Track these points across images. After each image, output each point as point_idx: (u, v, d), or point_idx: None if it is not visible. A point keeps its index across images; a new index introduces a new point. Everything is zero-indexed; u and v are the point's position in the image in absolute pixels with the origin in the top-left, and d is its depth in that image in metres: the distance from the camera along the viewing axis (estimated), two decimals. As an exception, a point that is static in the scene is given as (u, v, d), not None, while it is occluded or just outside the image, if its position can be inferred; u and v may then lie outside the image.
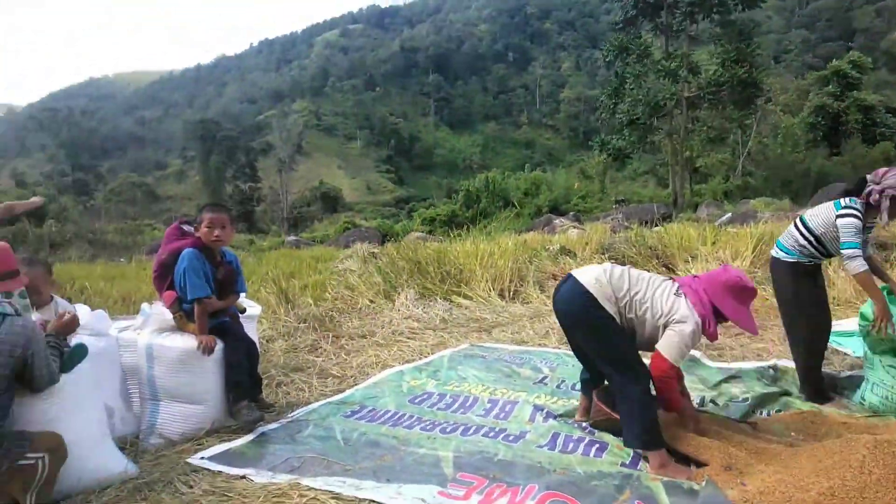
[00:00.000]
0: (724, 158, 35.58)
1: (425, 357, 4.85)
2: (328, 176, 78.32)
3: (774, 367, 4.03)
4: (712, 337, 2.78)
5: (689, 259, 9.13)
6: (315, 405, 3.69)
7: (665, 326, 2.69)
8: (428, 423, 3.28)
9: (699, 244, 9.76)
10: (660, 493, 2.39)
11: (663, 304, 2.72)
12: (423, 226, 31.59)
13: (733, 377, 3.90)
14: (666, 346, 2.65)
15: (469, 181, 38.98)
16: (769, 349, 4.65)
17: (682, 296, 2.73)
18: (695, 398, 3.54)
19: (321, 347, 5.35)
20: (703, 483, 2.42)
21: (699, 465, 2.61)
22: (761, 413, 3.32)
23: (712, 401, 3.52)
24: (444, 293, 7.47)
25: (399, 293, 7.42)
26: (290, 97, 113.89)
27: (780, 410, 3.34)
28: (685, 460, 2.65)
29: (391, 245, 10.34)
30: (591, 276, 2.81)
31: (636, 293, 2.76)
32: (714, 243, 9.59)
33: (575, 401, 3.49)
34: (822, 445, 2.74)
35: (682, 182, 30.32)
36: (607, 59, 30.70)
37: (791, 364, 3.78)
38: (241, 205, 57.59)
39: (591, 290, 2.73)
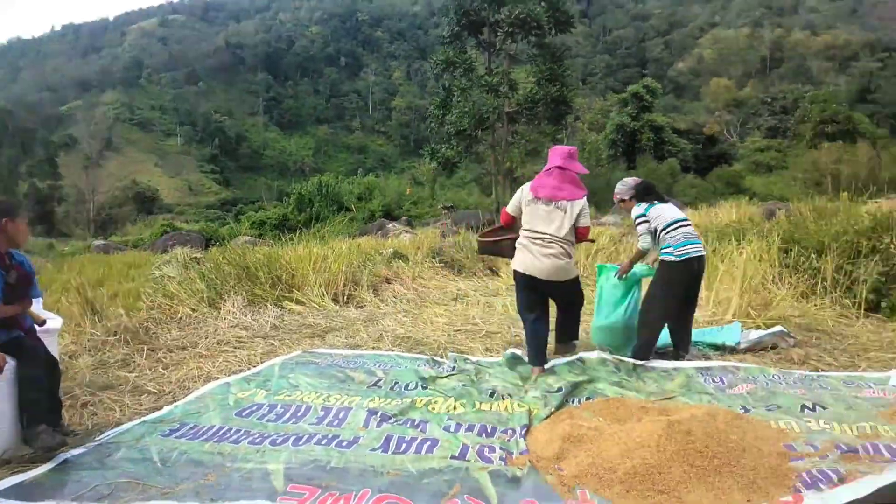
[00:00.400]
0: (539, 169, 38.34)
1: (254, 367, 4.64)
2: (144, 174, 71.95)
3: (581, 360, 4.43)
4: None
5: (509, 261, 9.73)
6: (128, 425, 3.37)
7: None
8: (257, 435, 3.15)
9: (520, 249, 10.41)
10: (487, 484, 2.52)
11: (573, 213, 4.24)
12: (252, 229, 30.18)
13: (548, 371, 4.22)
14: (586, 220, 4.29)
15: (301, 184, 38.07)
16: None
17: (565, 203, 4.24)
18: (515, 391, 3.80)
19: (135, 362, 4.89)
20: (525, 470, 2.61)
21: None
22: (574, 401, 3.64)
23: (533, 396, 3.78)
24: (274, 299, 7.22)
25: (225, 300, 7.03)
26: (98, 87, 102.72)
27: (589, 398, 3.69)
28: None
29: (216, 249, 9.76)
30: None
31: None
32: (533, 248, 10.30)
33: (409, 400, 3.59)
34: (624, 429, 3.09)
35: (503, 191, 32.14)
36: (435, 72, 31.68)
37: (594, 355, 4.44)
38: (38, 204, 50.79)
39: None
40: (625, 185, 4.79)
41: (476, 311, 6.68)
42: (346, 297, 7.67)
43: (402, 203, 37.48)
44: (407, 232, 17.22)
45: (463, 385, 3.92)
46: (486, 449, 2.92)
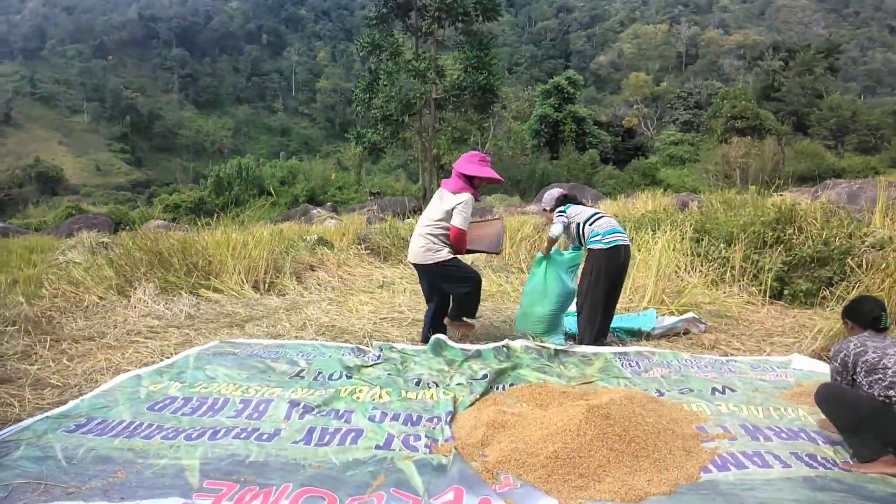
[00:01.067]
0: (468, 157, 38.67)
1: (168, 358, 4.43)
2: (47, 153, 67.09)
3: (507, 346, 4.50)
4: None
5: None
6: (28, 422, 3.13)
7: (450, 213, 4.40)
8: (171, 430, 3.00)
9: (446, 236, 10.45)
10: (412, 473, 2.51)
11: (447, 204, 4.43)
12: (166, 213, 28.89)
13: (473, 357, 4.26)
14: (459, 220, 4.38)
15: (220, 166, 36.63)
16: (509, 331, 5.18)
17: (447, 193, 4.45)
18: (440, 379, 3.81)
19: (36, 353, 4.56)
20: (451, 457, 2.61)
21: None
22: (498, 388, 3.68)
23: (458, 383, 3.80)
24: (190, 287, 6.92)
25: (136, 288, 6.68)
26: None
27: (513, 384, 3.74)
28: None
29: (126, 234, 9.25)
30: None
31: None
32: (459, 235, 10.36)
33: (333, 390, 3.52)
34: (546, 414, 3.15)
35: (430, 177, 32.19)
36: (361, 54, 31.20)
37: (518, 343, 4.52)
38: (-73, 184, 46.49)
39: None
40: (550, 197, 5.09)
41: (402, 298, 6.65)
42: (267, 285, 7.46)
43: (328, 188, 36.80)
44: (332, 218, 16.94)
45: (388, 374, 3.89)
46: (412, 438, 2.90)
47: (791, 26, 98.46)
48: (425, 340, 4.63)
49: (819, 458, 2.64)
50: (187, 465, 2.59)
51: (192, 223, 10.53)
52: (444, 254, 4.42)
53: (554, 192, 5.11)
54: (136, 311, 6.01)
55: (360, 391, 3.56)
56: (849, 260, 6.07)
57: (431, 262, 4.42)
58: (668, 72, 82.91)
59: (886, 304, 5.08)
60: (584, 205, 5.06)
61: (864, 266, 5.91)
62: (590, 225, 4.70)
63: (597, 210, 4.92)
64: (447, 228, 4.42)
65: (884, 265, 5.71)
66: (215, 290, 7.02)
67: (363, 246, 9.97)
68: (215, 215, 9.93)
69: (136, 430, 3.01)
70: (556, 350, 4.45)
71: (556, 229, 4.73)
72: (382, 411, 3.25)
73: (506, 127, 41.47)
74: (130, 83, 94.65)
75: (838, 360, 2.75)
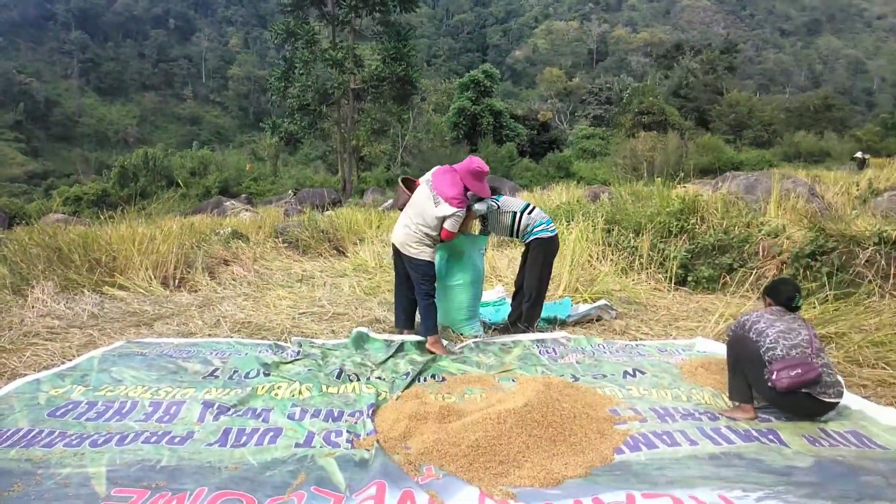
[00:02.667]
0: (386, 149, 38.43)
1: (70, 360, 4.16)
2: (-74, 142, 61.17)
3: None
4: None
5: (358, 241, 9.67)
6: None
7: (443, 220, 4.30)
8: (74, 436, 2.82)
9: (366, 228, 10.39)
10: (334, 470, 2.48)
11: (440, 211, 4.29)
12: (66, 206, 27.07)
13: (396, 350, 4.25)
14: (450, 225, 4.30)
15: (124, 156, 34.71)
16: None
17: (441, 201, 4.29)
18: (362, 373, 3.78)
19: (-86, 362, 4.17)
20: (373, 451, 2.60)
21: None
22: (420, 380, 3.70)
23: (379, 377, 3.78)
24: (93, 284, 6.53)
25: (33, 287, 6.23)
26: None
27: (433, 376, 3.77)
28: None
29: (22, 228, 8.57)
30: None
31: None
32: (379, 227, 10.32)
33: (249, 389, 3.42)
34: (467, 403, 3.20)
35: (350, 169, 31.79)
36: (276, 42, 30.33)
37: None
38: None
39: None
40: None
41: (322, 292, 6.54)
42: (177, 281, 7.15)
43: (242, 179, 35.60)
44: (247, 210, 16.40)
45: (308, 369, 3.82)
46: (333, 434, 2.87)
47: (694, 26, 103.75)
48: (401, 327, 4.71)
49: (721, 431, 2.83)
50: (93, 472, 2.45)
51: (95, 217, 9.94)
52: (427, 255, 4.37)
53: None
54: (34, 311, 5.61)
55: (279, 388, 3.48)
56: (747, 247, 6.50)
57: (410, 254, 4.39)
58: (580, 68, 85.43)
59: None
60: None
61: (761, 253, 6.35)
62: (528, 215, 4.81)
63: (526, 201, 5.03)
64: (436, 233, 4.36)
65: (778, 252, 6.15)
66: (121, 287, 6.65)
67: (281, 239, 9.72)
68: (120, 208, 9.40)
69: (34, 438, 2.81)
70: (475, 342, 4.52)
71: (481, 206, 4.71)
72: (302, 408, 3.19)
73: (425, 119, 41.49)
74: (24, 67, 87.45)
75: (741, 320, 3.28)
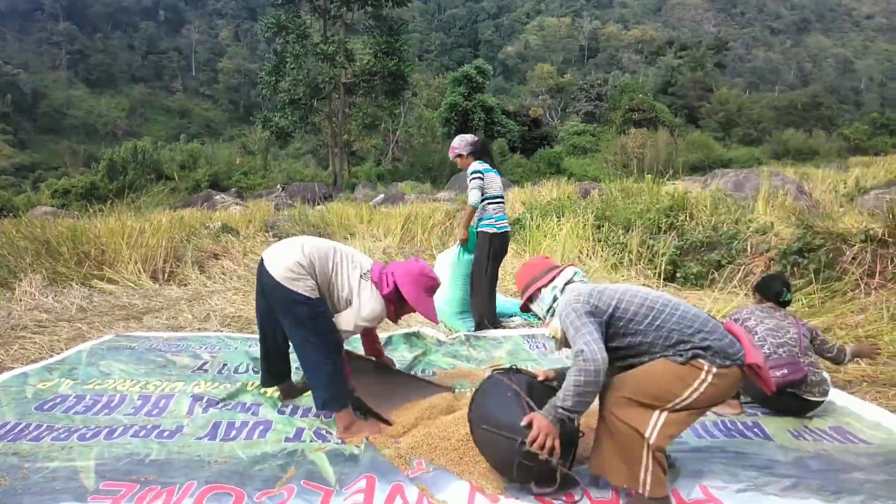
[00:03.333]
0: (377, 144, 38.41)
1: (58, 354, 4.14)
2: (-89, 133, 60.33)
3: (417, 334, 4.54)
4: (394, 318, 3.10)
5: (349, 236, 9.66)
6: None
7: (349, 302, 2.90)
8: (62, 430, 2.81)
9: (357, 222, 10.38)
10: (324, 464, 2.48)
11: (351, 286, 2.90)
12: (55, 199, 26.86)
13: (386, 345, 4.26)
14: (342, 321, 2.88)
15: (113, 149, 34.43)
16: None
17: (368, 281, 2.93)
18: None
19: None
20: (363, 446, 2.61)
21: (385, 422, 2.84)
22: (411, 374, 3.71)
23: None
24: (81, 278, 6.49)
25: (20, 280, 6.19)
26: None
27: (423, 370, 3.78)
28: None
29: (9, 221, 8.51)
30: (284, 267, 2.79)
31: (334, 279, 2.91)
32: (370, 222, 10.31)
33: (239, 383, 3.42)
34: (456, 397, 3.21)
35: (341, 163, 31.71)
36: (266, 35, 30.16)
37: (430, 331, 4.61)
38: None
39: (286, 285, 2.76)
40: (463, 141, 4.85)
41: (311, 286, 6.52)
42: (166, 275, 7.12)
43: (232, 173, 35.38)
44: (237, 204, 16.31)
45: (297, 366, 3.81)
46: (324, 429, 2.87)
47: (685, 23, 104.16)
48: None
49: (706, 426, 2.86)
50: (81, 466, 2.44)
51: (84, 210, 9.86)
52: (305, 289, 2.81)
53: (467, 137, 4.90)
54: (22, 305, 5.58)
55: (267, 391, 3.44)
56: (735, 244, 6.55)
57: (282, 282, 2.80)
58: (572, 64, 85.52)
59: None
60: (497, 170, 4.91)
61: (749, 250, 6.40)
62: (489, 204, 4.72)
63: (500, 191, 4.86)
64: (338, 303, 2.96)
65: (766, 249, 6.21)
66: (109, 280, 6.61)
67: (271, 233, 9.70)
68: (109, 201, 9.34)
69: (22, 431, 2.80)
70: (466, 335, 4.54)
71: (474, 197, 4.63)
72: (293, 405, 3.19)
73: (417, 114, 41.43)
74: (11, 58, 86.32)
75: (733, 316, 3.30)
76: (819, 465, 2.47)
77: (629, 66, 75.50)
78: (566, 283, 2.41)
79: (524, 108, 49.22)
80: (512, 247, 8.74)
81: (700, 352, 2.07)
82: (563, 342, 2.32)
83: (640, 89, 46.75)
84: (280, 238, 9.47)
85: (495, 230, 4.70)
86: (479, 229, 4.77)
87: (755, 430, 2.84)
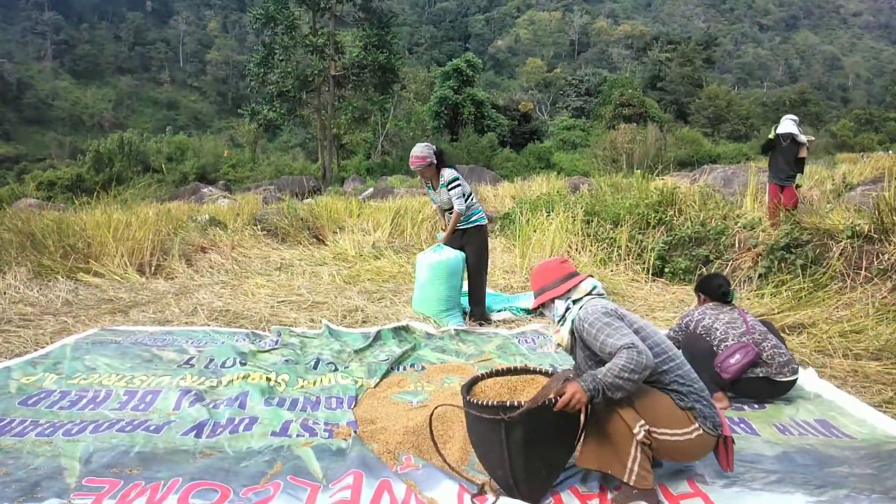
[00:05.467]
0: (367, 137, 38.22)
1: (42, 348, 4.10)
2: None
3: (406, 328, 4.53)
4: None
5: (338, 230, 9.62)
6: None
7: None
8: (46, 426, 2.78)
9: (346, 216, 10.33)
10: (310, 460, 2.47)
11: None
12: (40, 191, 26.59)
13: (376, 340, 4.25)
14: None
15: (99, 141, 34.07)
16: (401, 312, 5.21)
17: None
18: (340, 362, 3.77)
19: None
20: (350, 441, 2.59)
21: None
22: (399, 369, 3.71)
23: (357, 365, 3.77)
24: (67, 271, 6.42)
25: (5, 273, 6.13)
26: None
27: (412, 365, 3.77)
28: None
29: (-7, 214, 8.42)
30: None
31: None
32: (359, 215, 10.27)
33: (226, 378, 3.40)
34: (442, 390, 3.21)
35: (330, 157, 31.56)
36: (255, 26, 29.89)
37: (419, 325, 4.63)
38: None
39: None
40: (429, 149, 4.86)
41: (301, 281, 6.50)
42: (153, 268, 7.06)
43: (220, 166, 35.14)
44: (225, 197, 16.21)
45: (286, 360, 3.79)
46: (311, 422, 2.85)
47: (674, 18, 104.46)
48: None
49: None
50: (66, 462, 2.41)
51: (69, 202, 9.77)
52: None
53: (428, 145, 4.90)
54: (6, 298, 5.51)
55: (255, 378, 3.42)
56: (723, 239, 6.58)
57: None
58: (562, 59, 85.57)
59: (754, 278, 5.56)
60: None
61: (737, 245, 6.43)
62: (472, 199, 4.94)
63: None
64: None
65: (754, 244, 6.24)
66: (95, 273, 6.55)
67: (259, 226, 9.63)
68: (95, 193, 9.23)
69: (5, 427, 2.77)
70: (456, 330, 4.53)
71: (461, 204, 4.78)
72: (280, 397, 3.17)
73: (406, 107, 41.29)
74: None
75: (683, 322, 3.36)
76: (804, 460, 2.49)
77: (619, 61, 75.60)
78: (585, 295, 2.38)
79: (514, 103, 49.16)
80: (501, 241, 8.76)
81: (698, 409, 2.16)
82: (570, 350, 2.40)
83: (630, 84, 46.84)
84: (269, 232, 9.42)
85: (486, 222, 5.01)
86: (475, 224, 4.95)
87: (741, 425, 2.86)
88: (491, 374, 2.41)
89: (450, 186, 4.79)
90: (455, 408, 2.61)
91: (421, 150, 4.83)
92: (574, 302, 2.37)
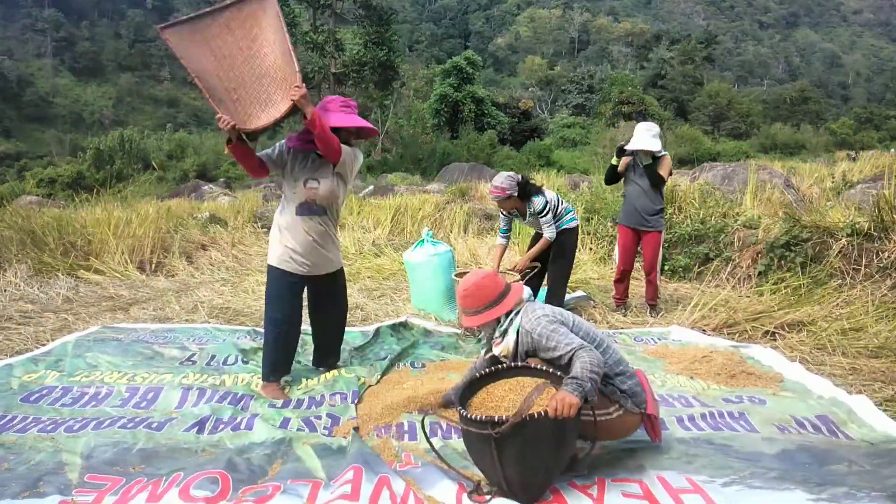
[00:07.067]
0: (375, 140, 38.17)
1: (43, 345, 4.11)
2: None
3: (405, 325, 4.54)
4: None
5: (338, 228, 9.60)
6: None
7: None
8: (48, 422, 2.79)
9: (346, 213, 10.32)
10: (311, 459, 2.46)
11: None
12: (40, 188, 26.58)
13: (375, 337, 4.25)
14: None
15: (100, 138, 34.06)
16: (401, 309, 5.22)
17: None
18: (342, 359, 3.77)
19: None
20: (350, 437, 2.60)
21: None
22: (399, 366, 3.71)
23: (358, 363, 3.78)
24: (67, 268, 6.43)
25: (5, 270, 6.14)
26: None
27: (412, 363, 3.78)
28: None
29: (-7, 211, 8.44)
30: None
31: None
32: (359, 213, 10.27)
33: (227, 376, 3.41)
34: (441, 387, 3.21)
35: (330, 154, 31.55)
36: (256, 23, 29.89)
37: (418, 320, 4.64)
38: None
39: None
40: (510, 181, 4.34)
41: (300, 278, 6.49)
42: (153, 266, 7.06)
43: (220, 163, 35.10)
44: (226, 195, 16.19)
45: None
46: (313, 419, 2.86)
47: (675, 16, 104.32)
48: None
49: (694, 419, 2.88)
50: (68, 459, 2.42)
51: (70, 199, 9.78)
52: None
53: (513, 175, 4.41)
54: (7, 295, 5.52)
55: (258, 376, 3.43)
56: (723, 237, 6.59)
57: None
58: (562, 56, 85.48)
59: (753, 276, 5.55)
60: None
61: (737, 243, 6.44)
62: (562, 205, 4.60)
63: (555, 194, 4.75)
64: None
65: (754, 242, 6.25)
66: (96, 271, 6.55)
67: (260, 224, 9.64)
68: (95, 191, 9.24)
69: (7, 423, 2.78)
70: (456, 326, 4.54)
71: (552, 231, 4.40)
72: (284, 399, 3.17)
73: (407, 105, 41.26)
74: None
75: None
76: (804, 458, 2.50)
77: (619, 59, 75.53)
78: (521, 307, 2.48)
79: (514, 100, 49.14)
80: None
81: (617, 391, 2.34)
82: (513, 359, 2.45)
83: (630, 82, 46.81)
84: (269, 229, 9.44)
85: (575, 224, 4.62)
86: (564, 227, 4.56)
87: (741, 421, 2.87)
88: (492, 375, 2.40)
89: (543, 214, 4.38)
90: (448, 420, 2.63)
91: (501, 181, 4.34)
92: (515, 313, 2.45)
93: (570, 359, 2.18)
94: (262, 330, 4.42)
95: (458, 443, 2.57)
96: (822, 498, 2.14)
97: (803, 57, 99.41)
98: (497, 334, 2.49)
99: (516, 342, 2.42)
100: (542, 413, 2.02)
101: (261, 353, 3.80)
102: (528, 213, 4.43)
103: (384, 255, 7.82)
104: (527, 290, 2.55)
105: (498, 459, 2.05)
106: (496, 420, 2.04)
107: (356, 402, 3.08)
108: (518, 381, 2.30)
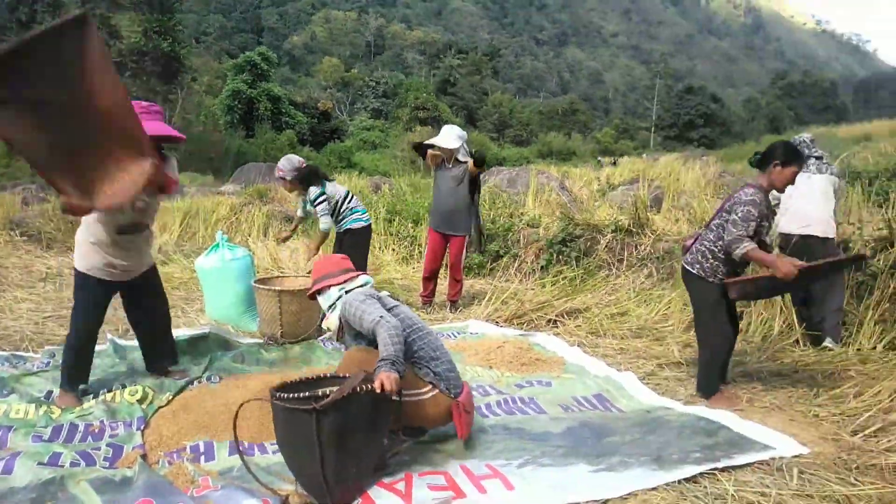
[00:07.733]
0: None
1: None
2: None
3: (205, 337, 4.23)
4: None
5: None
6: None
7: None
8: None
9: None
10: (89, 495, 2.17)
11: None
12: None
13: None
14: None
15: None
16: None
17: None
18: (124, 379, 3.42)
19: None
20: (136, 467, 2.33)
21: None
22: (194, 384, 3.45)
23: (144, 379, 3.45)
24: None
25: None
26: None
27: (210, 378, 3.53)
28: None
29: None
30: None
31: None
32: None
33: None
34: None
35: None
36: (7, 2, 25.79)
37: (219, 333, 4.38)
38: None
39: None
40: (289, 164, 4.59)
41: (70, 292, 5.72)
42: None
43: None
44: (-32, 198, 13.71)
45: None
46: (90, 451, 2.52)
47: (462, 28, 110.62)
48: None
49: (491, 406, 3.08)
50: None
51: None
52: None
53: (293, 160, 4.64)
54: None
55: (18, 407, 2.94)
56: (510, 235, 7.15)
57: None
58: (359, 59, 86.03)
59: (537, 269, 6.10)
60: (330, 179, 4.82)
61: (522, 240, 7.03)
62: (348, 203, 4.73)
63: (345, 189, 4.90)
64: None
65: (536, 239, 6.87)
66: None
67: (18, 231, 8.34)
68: None
69: None
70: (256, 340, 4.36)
71: (326, 222, 4.56)
72: (55, 425, 2.76)
73: (196, 100, 38.47)
74: None
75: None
76: (585, 433, 2.81)
77: (413, 65, 78.07)
78: (357, 287, 2.73)
79: (313, 101, 48.30)
80: (304, 241, 8.57)
81: (431, 373, 2.51)
82: (338, 336, 2.77)
83: (425, 88, 48.66)
84: (31, 237, 8.20)
85: (363, 224, 4.80)
86: (347, 227, 4.75)
87: (531, 405, 3.14)
88: (298, 382, 2.39)
89: (316, 202, 4.55)
90: (263, 401, 2.50)
91: (281, 164, 4.61)
92: (347, 292, 2.69)
93: (374, 329, 2.38)
94: (25, 355, 3.85)
95: (261, 459, 2.47)
96: (601, 468, 2.42)
97: (573, 73, 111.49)
98: (327, 309, 2.73)
99: (341, 318, 2.66)
100: (365, 387, 2.12)
101: (26, 380, 3.29)
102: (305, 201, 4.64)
103: (173, 262, 7.23)
104: (366, 278, 2.82)
105: (317, 438, 2.03)
106: (319, 395, 2.13)
107: (142, 427, 2.78)
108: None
